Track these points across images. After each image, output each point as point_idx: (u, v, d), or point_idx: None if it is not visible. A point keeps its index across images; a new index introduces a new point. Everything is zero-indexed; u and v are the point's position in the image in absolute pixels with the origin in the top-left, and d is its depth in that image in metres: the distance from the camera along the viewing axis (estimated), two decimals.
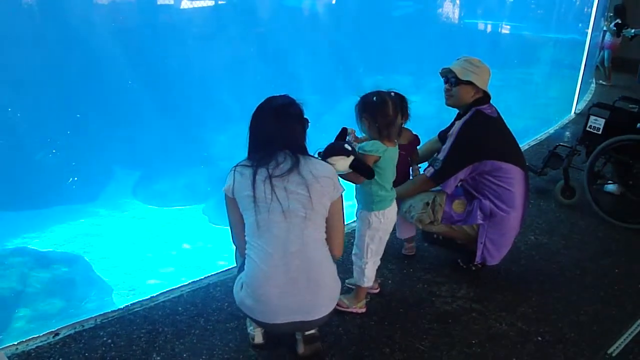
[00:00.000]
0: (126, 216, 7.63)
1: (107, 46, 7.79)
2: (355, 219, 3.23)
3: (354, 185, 3.07)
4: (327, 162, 2.71)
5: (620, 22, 11.70)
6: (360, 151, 2.89)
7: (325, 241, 2.63)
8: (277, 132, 2.56)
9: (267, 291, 2.50)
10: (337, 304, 3.16)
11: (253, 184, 2.48)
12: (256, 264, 2.51)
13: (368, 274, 3.14)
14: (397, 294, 3.45)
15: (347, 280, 3.42)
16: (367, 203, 3.06)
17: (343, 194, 2.66)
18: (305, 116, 2.66)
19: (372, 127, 2.96)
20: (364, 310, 3.25)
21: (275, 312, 2.54)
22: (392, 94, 3.35)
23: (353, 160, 2.78)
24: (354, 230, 3.77)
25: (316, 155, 2.74)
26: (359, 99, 3.00)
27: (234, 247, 2.78)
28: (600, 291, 3.69)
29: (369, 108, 2.95)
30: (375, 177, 2.93)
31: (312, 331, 2.80)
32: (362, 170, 2.85)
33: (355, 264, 3.18)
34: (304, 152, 2.61)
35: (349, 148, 2.77)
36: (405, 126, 3.66)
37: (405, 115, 3.60)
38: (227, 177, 2.56)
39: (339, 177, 2.76)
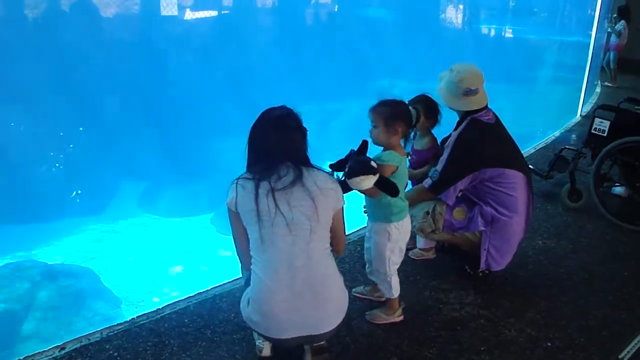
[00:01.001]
0: (133, 227, 7.63)
1: (109, 57, 7.82)
2: (367, 232, 3.19)
3: (366, 198, 3.03)
4: (354, 181, 2.68)
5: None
6: (377, 161, 2.81)
7: (330, 253, 2.62)
8: (277, 145, 2.53)
9: (272, 307, 2.49)
10: (375, 320, 3.17)
11: (256, 198, 2.45)
12: (261, 279, 2.50)
13: (395, 285, 3.11)
14: (403, 302, 3.42)
15: (353, 290, 3.40)
16: (386, 215, 2.98)
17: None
18: (303, 125, 2.62)
19: (398, 136, 2.91)
20: (402, 317, 3.22)
21: (283, 327, 2.53)
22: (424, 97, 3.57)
23: (379, 178, 2.73)
24: (361, 237, 3.77)
25: (328, 169, 2.73)
26: (383, 105, 2.93)
27: (239, 262, 2.78)
28: (609, 295, 3.66)
29: (407, 119, 2.91)
30: None
31: (321, 342, 2.77)
32: (388, 188, 2.77)
33: (379, 278, 3.13)
34: (307, 162, 2.58)
35: (375, 165, 2.72)
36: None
37: (432, 119, 3.63)
38: (228, 191, 2.53)
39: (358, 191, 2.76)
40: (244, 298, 2.65)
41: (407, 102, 3.06)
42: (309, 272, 2.50)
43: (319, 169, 2.61)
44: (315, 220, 2.49)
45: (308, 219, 2.48)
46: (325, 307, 2.55)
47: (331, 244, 2.65)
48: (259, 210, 2.44)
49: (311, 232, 2.49)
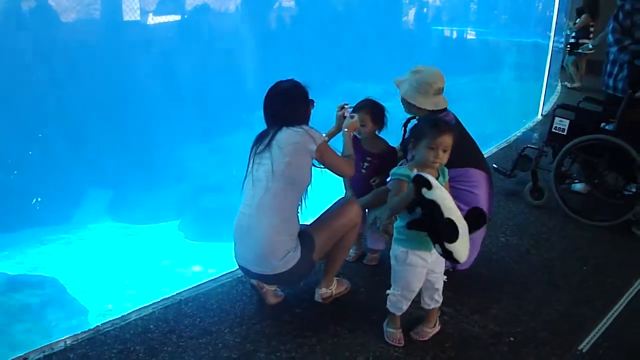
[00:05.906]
0: (100, 236, 7.51)
1: (70, 62, 7.68)
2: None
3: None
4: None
5: (574, 41, 11.90)
6: None
7: (281, 209, 2.98)
8: (279, 113, 3.04)
9: (235, 237, 3.13)
10: (425, 337, 3.13)
11: (249, 159, 3.08)
12: (237, 215, 3.12)
13: None
14: (369, 302, 3.45)
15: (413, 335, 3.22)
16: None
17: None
18: (308, 97, 3.15)
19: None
20: (440, 326, 3.20)
21: (238, 254, 3.15)
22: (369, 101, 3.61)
23: None
24: None
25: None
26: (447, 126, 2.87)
27: None
28: (570, 289, 3.76)
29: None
30: None
31: (272, 288, 3.38)
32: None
33: (441, 288, 3.04)
34: (292, 123, 3.01)
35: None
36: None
37: (380, 123, 3.63)
38: None
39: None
40: None
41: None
42: (253, 220, 2.99)
43: (294, 128, 2.99)
44: (271, 177, 2.93)
45: (266, 175, 2.95)
46: (255, 253, 3.01)
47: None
48: (248, 168, 3.08)
49: (266, 188, 2.94)
